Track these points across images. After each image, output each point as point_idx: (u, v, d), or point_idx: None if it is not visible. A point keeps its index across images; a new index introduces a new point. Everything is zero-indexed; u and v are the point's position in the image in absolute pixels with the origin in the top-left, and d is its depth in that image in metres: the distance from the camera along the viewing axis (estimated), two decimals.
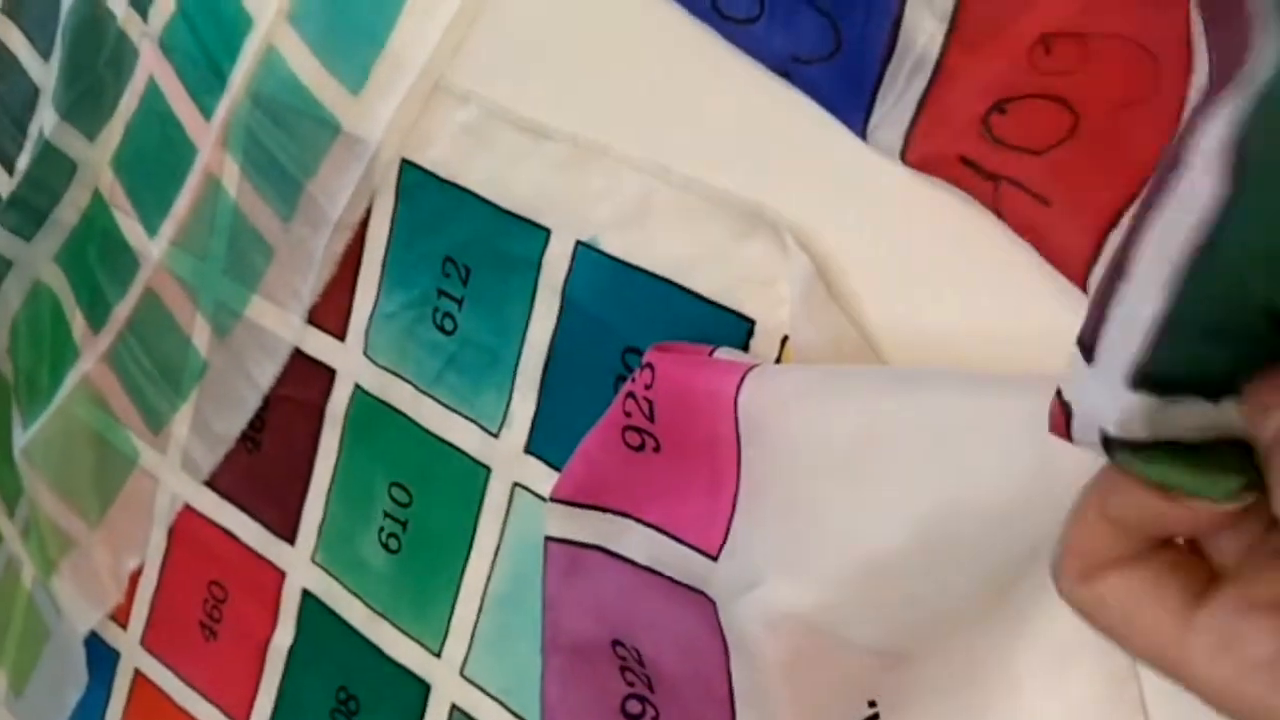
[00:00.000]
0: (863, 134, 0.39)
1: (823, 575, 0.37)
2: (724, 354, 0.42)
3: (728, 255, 0.42)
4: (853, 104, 0.39)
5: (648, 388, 0.42)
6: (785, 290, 0.41)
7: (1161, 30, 0.34)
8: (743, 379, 0.39)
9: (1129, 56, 0.34)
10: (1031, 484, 0.34)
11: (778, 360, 0.42)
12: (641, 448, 0.42)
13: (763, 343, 0.42)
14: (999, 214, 0.36)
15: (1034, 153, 0.35)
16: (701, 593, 0.41)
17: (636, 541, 0.43)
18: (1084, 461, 0.34)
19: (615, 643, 0.44)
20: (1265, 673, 0.21)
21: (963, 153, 0.36)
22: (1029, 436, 0.34)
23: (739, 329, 0.42)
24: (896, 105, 0.38)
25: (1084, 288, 0.34)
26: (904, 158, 0.38)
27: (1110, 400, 0.22)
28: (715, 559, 0.40)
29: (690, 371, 0.41)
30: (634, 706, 0.45)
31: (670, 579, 0.42)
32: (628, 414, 0.42)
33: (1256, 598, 0.22)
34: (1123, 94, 0.34)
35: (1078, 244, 0.33)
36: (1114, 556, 0.24)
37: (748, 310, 0.42)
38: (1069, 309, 0.35)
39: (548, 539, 0.45)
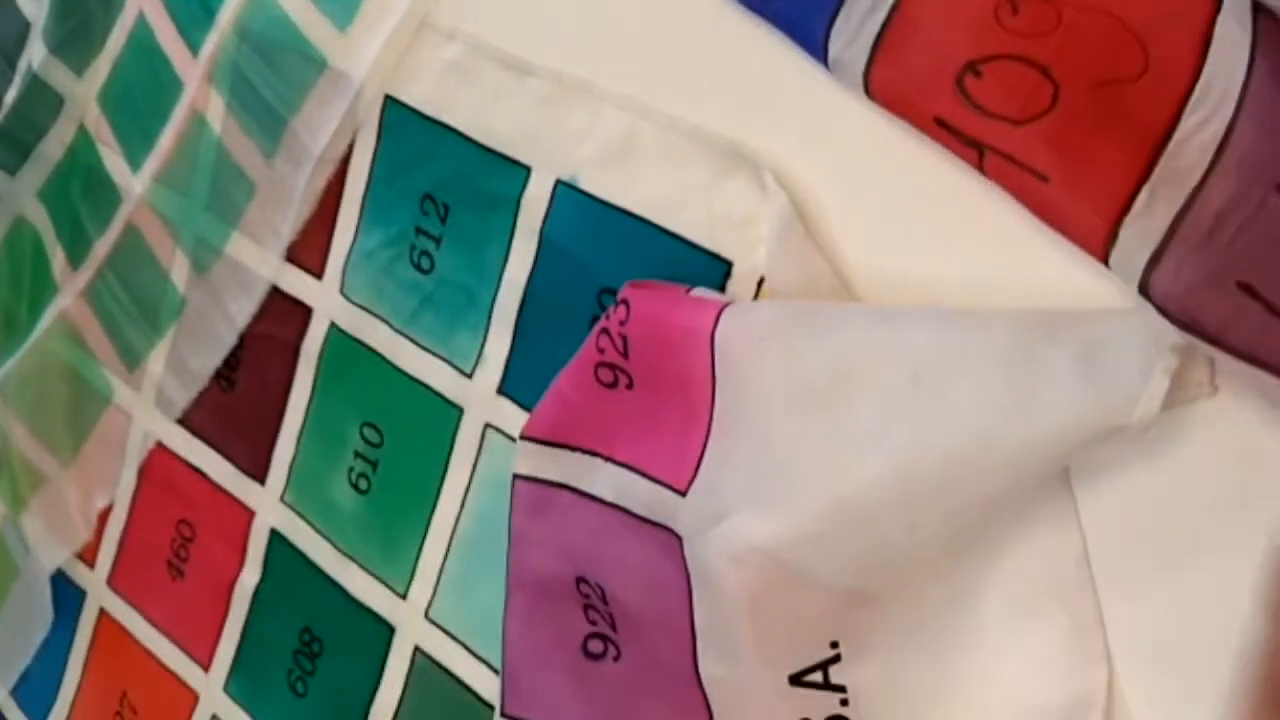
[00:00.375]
0: (825, 61, 0.38)
1: (793, 509, 0.37)
2: (700, 294, 0.42)
3: (708, 195, 0.42)
4: (813, 29, 0.38)
5: (622, 324, 0.41)
6: (764, 231, 0.41)
7: (1145, 9, 0.34)
8: (719, 316, 0.39)
9: (1110, 31, 0.34)
10: (1007, 420, 0.34)
11: None
12: (614, 384, 0.42)
13: (739, 285, 0.42)
14: (987, 177, 0.36)
15: (1014, 122, 0.35)
16: (668, 529, 0.41)
17: (604, 480, 0.43)
18: (1061, 397, 0.34)
19: (579, 580, 0.44)
20: None
21: (938, 114, 0.36)
22: (1005, 372, 0.34)
23: (716, 270, 0.42)
24: (855, 40, 0.37)
25: (1106, 264, 0.34)
26: (868, 91, 0.37)
27: None
28: (684, 494, 0.40)
29: (666, 308, 0.41)
30: (596, 645, 0.44)
31: (637, 515, 0.42)
32: (601, 350, 0.42)
33: None
34: (1106, 71, 0.34)
35: (1091, 225, 0.33)
36: None
37: (726, 252, 0.42)
38: (1043, 251, 0.35)
39: (516, 477, 0.45)
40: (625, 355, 0.42)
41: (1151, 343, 0.33)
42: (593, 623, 0.44)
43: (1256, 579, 0.33)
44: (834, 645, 0.39)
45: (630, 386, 0.42)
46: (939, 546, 0.37)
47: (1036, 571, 0.37)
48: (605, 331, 0.42)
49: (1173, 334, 0.32)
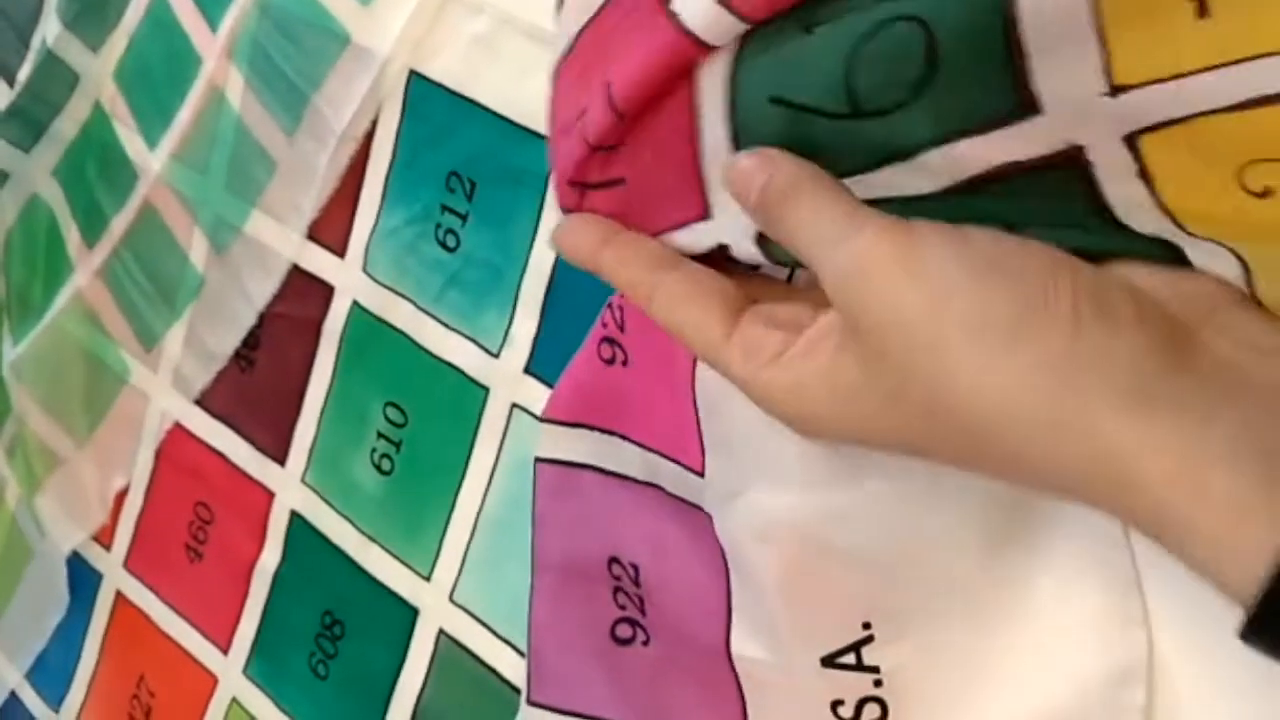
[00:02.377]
0: None
1: (800, 476, 0.36)
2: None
3: None
4: None
5: (622, 295, 0.41)
6: None
7: None
8: None
9: None
10: None
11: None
12: (612, 361, 0.41)
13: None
14: None
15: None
16: (700, 507, 0.40)
17: (631, 459, 0.42)
18: None
19: (612, 560, 0.43)
20: (769, 359, 0.30)
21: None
22: None
23: None
24: None
25: None
26: None
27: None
28: (702, 475, 0.39)
29: None
30: (624, 630, 0.44)
31: (671, 494, 0.41)
32: (604, 324, 0.42)
33: (773, 317, 0.31)
34: None
35: None
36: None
37: None
38: None
39: (537, 460, 0.44)
40: (621, 329, 0.41)
41: None
42: (621, 607, 0.44)
43: None
44: (866, 626, 0.38)
45: (626, 364, 0.41)
46: (978, 517, 0.36)
47: (1074, 536, 0.36)
48: (609, 305, 0.41)
49: None
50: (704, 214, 0.34)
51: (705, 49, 0.31)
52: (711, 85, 0.32)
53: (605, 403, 0.42)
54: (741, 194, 0.31)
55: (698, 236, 0.35)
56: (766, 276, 0.35)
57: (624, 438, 0.42)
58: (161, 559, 0.62)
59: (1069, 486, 0.26)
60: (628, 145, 0.35)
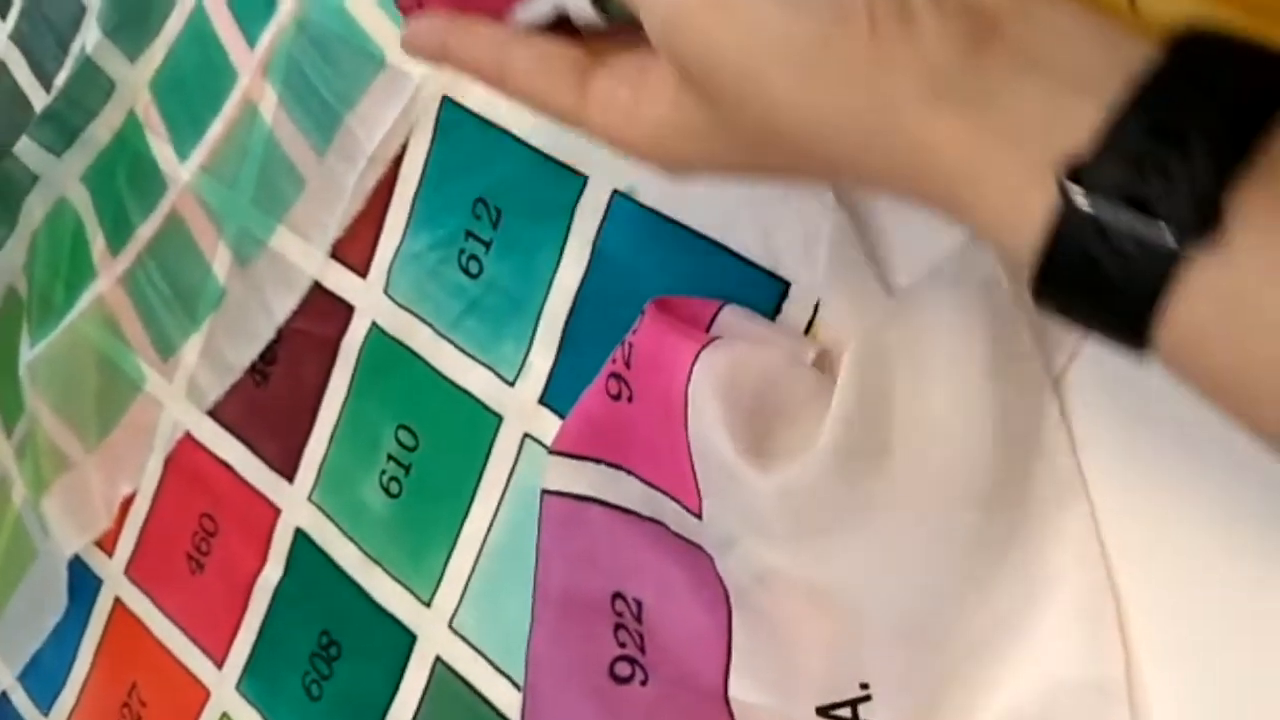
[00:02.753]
0: None
1: (779, 529, 0.37)
2: (731, 312, 0.41)
3: (767, 213, 0.42)
4: None
5: (634, 332, 0.41)
6: (822, 251, 0.40)
7: None
8: (707, 344, 0.39)
9: None
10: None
11: (808, 326, 0.41)
12: (618, 396, 0.41)
13: (796, 305, 0.41)
14: None
15: None
16: (700, 546, 0.40)
17: (633, 493, 0.42)
18: None
19: (616, 595, 0.43)
20: (623, 113, 0.32)
21: None
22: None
23: (773, 290, 0.41)
24: None
25: None
26: None
27: None
28: (701, 518, 0.39)
29: (671, 323, 0.41)
30: (623, 669, 0.43)
31: (672, 531, 0.41)
32: (614, 360, 0.42)
33: (618, 70, 0.33)
34: None
35: None
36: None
37: (783, 270, 0.41)
38: None
39: (544, 492, 0.44)
40: (629, 365, 0.41)
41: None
42: (622, 644, 0.43)
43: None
44: (864, 686, 0.38)
45: (631, 400, 0.41)
46: (959, 549, 0.36)
47: (1054, 551, 0.36)
48: (623, 342, 0.41)
49: None
50: None
51: None
52: None
53: (611, 437, 0.42)
54: None
55: (538, 8, 0.35)
56: (610, 35, 0.35)
57: (629, 472, 0.42)
58: (163, 568, 0.62)
59: (891, 184, 0.28)
60: None
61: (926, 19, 0.26)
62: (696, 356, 0.39)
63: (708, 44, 0.28)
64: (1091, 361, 0.35)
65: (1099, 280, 0.23)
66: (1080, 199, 0.23)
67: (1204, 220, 0.22)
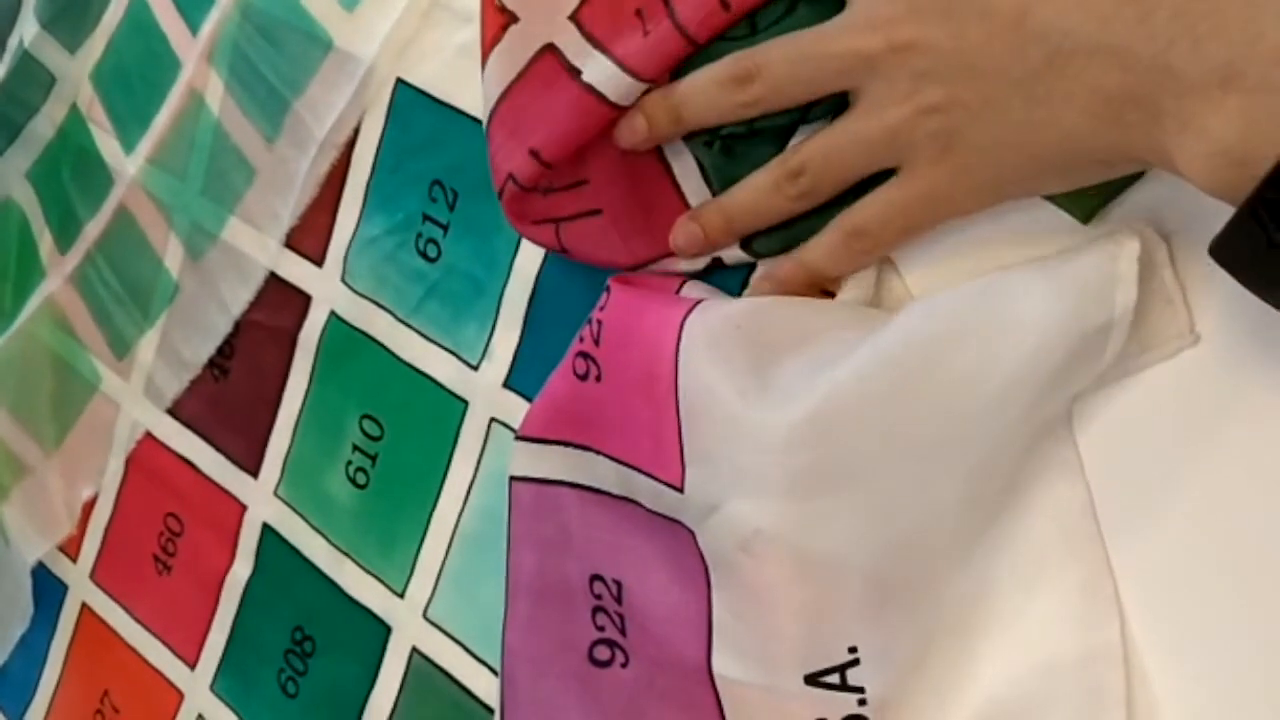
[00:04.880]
0: None
1: (780, 486, 0.36)
2: (693, 288, 0.41)
3: None
4: None
5: (601, 309, 0.40)
6: None
7: None
8: (696, 304, 0.38)
9: None
10: (986, 348, 0.34)
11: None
12: (585, 376, 0.41)
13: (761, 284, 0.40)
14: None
15: None
16: (679, 522, 0.39)
17: (604, 473, 0.41)
18: (1035, 308, 0.33)
19: (595, 577, 0.42)
20: None
21: None
22: (975, 303, 0.35)
23: (737, 272, 0.41)
24: None
25: None
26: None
27: None
28: (682, 491, 0.39)
29: (644, 297, 0.40)
30: (602, 652, 0.43)
31: (647, 509, 0.40)
32: (581, 339, 0.41)
33: None
34: None
35: None
36: None
37: None
38: None
39: (512, 479, 0.43)
40: (598, 343, 0.40)
41: (1109, 239, 0.33)
42: (600, 628, 0.43)
43: None
44: (852, 650, 0.38)
45: (599, 379, 0.40)
46: (951, 516, 0.36)
47: (1045, 527, 0.36)
48: (588, 320, 0.41)
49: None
50: None
51: (615, 108, 0.38)
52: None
53: (578, 418, 0.42)
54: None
55: (695, 261, 0.40)
56: None
57: (597, 452, 0.42)
58: (129, 571, 0.61)
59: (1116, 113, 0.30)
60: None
61: None
62: (687, 315, 0.38)
63: None
64: None
65: None
66: None
67: None
